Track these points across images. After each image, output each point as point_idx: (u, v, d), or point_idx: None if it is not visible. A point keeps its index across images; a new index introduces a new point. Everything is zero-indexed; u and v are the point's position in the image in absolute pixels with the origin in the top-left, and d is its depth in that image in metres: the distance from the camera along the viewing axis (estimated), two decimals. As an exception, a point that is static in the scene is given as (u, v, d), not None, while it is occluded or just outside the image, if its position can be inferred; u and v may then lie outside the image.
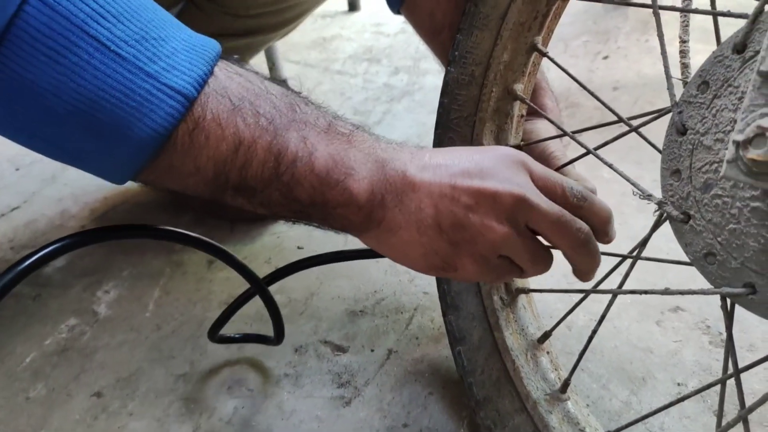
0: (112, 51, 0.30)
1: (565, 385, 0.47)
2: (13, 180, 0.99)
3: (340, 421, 0.54)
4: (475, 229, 0.37)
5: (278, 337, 0.57)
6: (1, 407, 0.58)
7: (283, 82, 0.40)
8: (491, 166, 0.38)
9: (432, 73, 1.25)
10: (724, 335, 0.60)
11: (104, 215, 0.87)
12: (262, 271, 0.73)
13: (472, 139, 0.54)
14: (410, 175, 0.37)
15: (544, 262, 0.41)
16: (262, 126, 0.34)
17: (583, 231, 0.40)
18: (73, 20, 0.29)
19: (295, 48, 1.46)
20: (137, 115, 0.31)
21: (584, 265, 0.42)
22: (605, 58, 1.31)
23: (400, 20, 1.57)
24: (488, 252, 0.38)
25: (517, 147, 0.54)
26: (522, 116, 0.56)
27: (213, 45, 0.35)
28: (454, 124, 0.55)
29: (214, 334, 0.57)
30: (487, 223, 0.37)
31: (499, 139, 0.55)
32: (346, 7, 1.69)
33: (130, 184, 0.94)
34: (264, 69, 1.23)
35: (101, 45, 0.30)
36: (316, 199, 0.36)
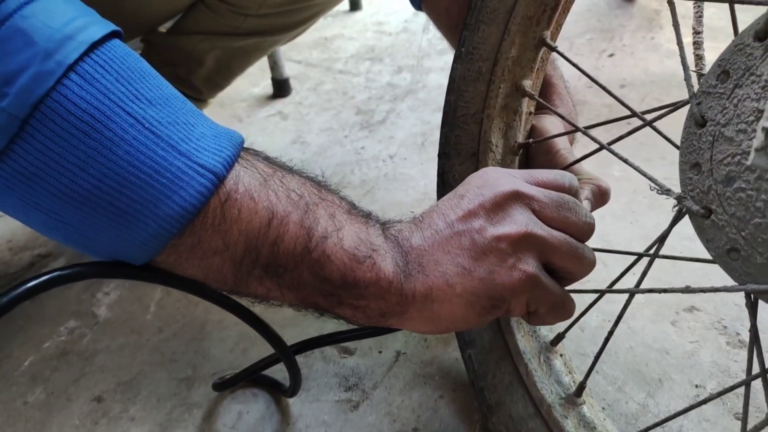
0: (147, 128, 0.30)
1: (581, 388, 0.46)
2: (12, 182, 0.97)
3: (348, 426, 0.53)
4: (496, 249, 0.37)
5: (293, 391, 0.52)
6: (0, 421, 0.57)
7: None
8: (485, 213, 0.38)
9: (435, 72, 1.24)
10: (742, 336, 0.59)
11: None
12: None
13: (480, 136, 0.53)
14: (416, 244, 0.37)
15: (570, 304, 0.41)
16: (294, 201, 0.34)
17: (587, 257, 0.41)
18: (110, 96, 0.30)
19: (297, 47, 1.45)
20: (167, 193, 0.31)
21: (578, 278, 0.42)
22: (611, 55, 1.30)
23: (401, 19, 1.56)
24: (524, 264, 0.37)
25: (526, 144, 0.53)
26: (530, 113, 0.54)
27: (237, 134, 0.35)
28: (461, 122, 0.54)
29: (223, 387, 0.55)
30: (503, 233, 0.37)
31: (508, 137, 0.53)
32: (347, 6, 1.68)
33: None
34: (266, 68, 1.22)
35: (137, 122, 0.30)
36: (347, 277, 0.35)
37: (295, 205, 0.34)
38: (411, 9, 1.61)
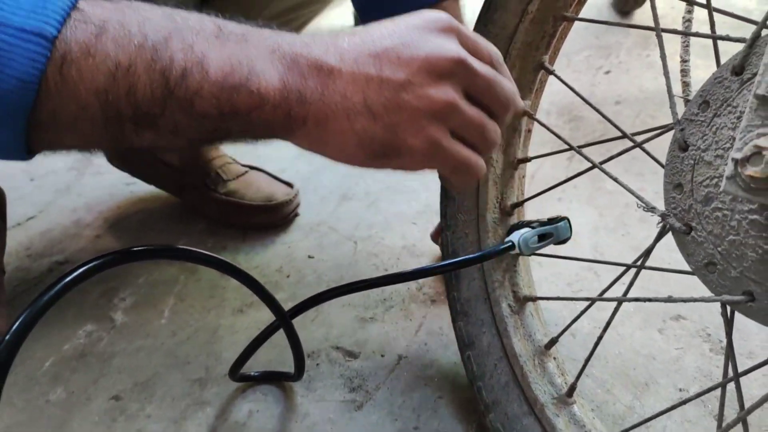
0: None
1: (572, 389, 0.49)
2: (28, 191, 1.01)
3: (353, 424, 0.56)
4: (411, 107, 0.34)
5: (299, 372, 0.57)
6: (22, 410, 0.60)
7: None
8: (417, 36, 0.35)
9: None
10: (725, 342, 0.62)
11: (117, 224, 0.89)
12: (273, 278, 0.75)
13: (481, 152, 0.56)
14: (328, 64, 0.34)
15: (494, 133, 0.38)
16: (137, 44, 0.31)
17: (509, 97, 0.39)
18: None
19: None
20: None
21: (500, 131, 0.40)
22: (607, 72, 1.34)
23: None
24: (434, 129, 0.35)
25: (525, 160, 0.57)
26: (529, 131, 0.58)
27: None
28: (464, 138, 0.57)
29: (236, 372, 0.58)
30: (425, 95, 0.34)
31: (508, 153, 0.57)
32: (352, 21, 1.72)
33: (143, 194, 0.96)
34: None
35: None
36: (224, 109, 0.33)
37: (140, 47, 0.31)
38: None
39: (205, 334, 0.68)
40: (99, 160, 1.09)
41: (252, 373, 0.61)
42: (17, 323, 0.36)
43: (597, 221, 0.83)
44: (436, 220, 0.85)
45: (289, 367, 0.59)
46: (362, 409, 0.58)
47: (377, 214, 0.87)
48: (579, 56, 1.41)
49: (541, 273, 0.72)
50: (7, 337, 0.35)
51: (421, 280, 0.74)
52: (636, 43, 1.49)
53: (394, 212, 0.88)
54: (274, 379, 0.61)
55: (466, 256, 0.47)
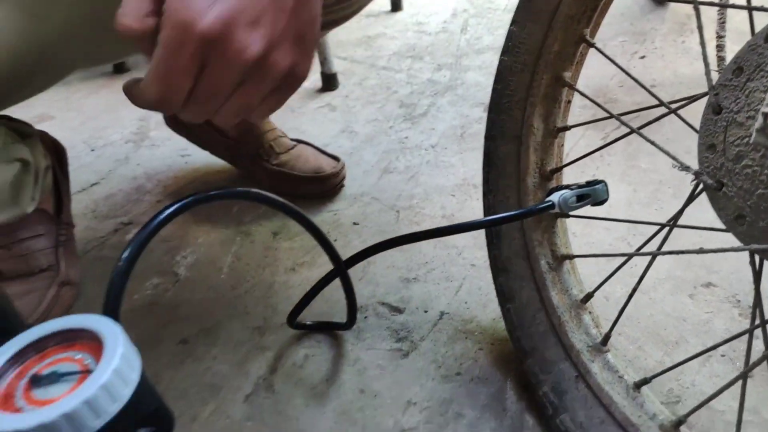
0: None
1: (606, 338, 0.53)
2: (89, 160, 1.08)
3: (400, 370, 0.61)
4: None
5: (351, 319, 0.63)
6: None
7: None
8: None
9: (473, 70, 1.31)
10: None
11: (176, 191, 0.96)
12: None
13: (523, 121, 0.61)
14: None
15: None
16: None
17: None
18: None
19: (342, 45, 1.54)
20: None
21: None
22: (642, 57, 1.36)
23: (440, 20, 1.64)
24: None
25: (564, 129, 0.60)
26: (569, 101, 0.62)
27: None
28: (507, 108, 0.62)
29: (293, 320, 0.64)
30: None
31: (548, 122, 0.61)
32: (389, 7, 1.77)
33: (198, 165, 1.02)
34: (315, 63, 1.31)
35: None
36: None
37: None
38: (449, 10, 1.70)
39: (261, 289, 0.74)
40: (153, 133, 1.16)
41: (307, 322, 0.66)
42: (127, 252, 0.41)
43: (631, 197, 0.86)
44: (473, 193, 0.89)
45: (339, 319, 0.65)
46: (408, 357, 0.63)
47: (417, 187, 0.92)
48: (614, 41, 1.42)
49: (576, 243, 0.75)
50: (120, 263, 0.41)
51: (460, 246, 0.78)
52: (671, 29, 1.50)
53: (433, 185, 0.92)
54: (326, 328, 0.66)
55: (511, 212, 0.52)
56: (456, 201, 0.88)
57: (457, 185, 0.92)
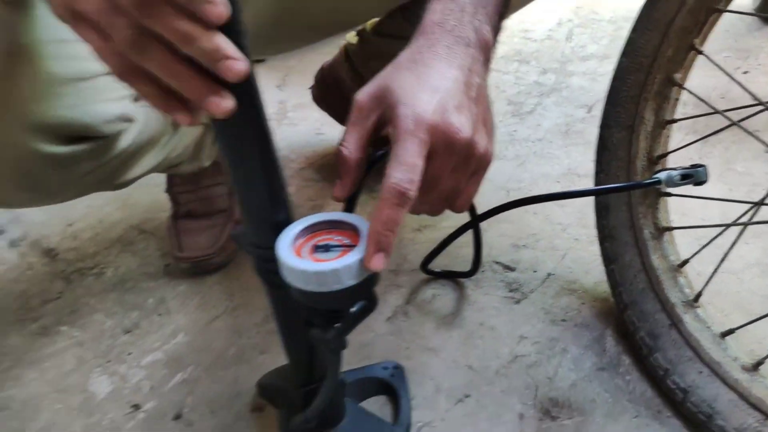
0: None
1: (698, 296, 0.63)
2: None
3: (513, 312, 0.74)
4: None
5: (475, 268, 0.75)
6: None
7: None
8: None
9: (578, 75, 1.41)
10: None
11: (315, 161, 1.13)
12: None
13: (636, 113, 0.71)
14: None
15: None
16: None
17: None
18: None
19: (452, 47, 1.67)
20: None
21: None
22: (745, 72, 1.40)
23: (546, 28, 1.74)
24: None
25: (672, 121, 0.71)
26: (677, 99, 0.72)
27: None
28: (623, 101, 0.72)
29: (425, 266, 0.78)
30: None
31: (659, 115, 0.71)
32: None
33: (334, 142, 1.19)
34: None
35: None
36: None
37: None
38: (555, 20, 1.79)
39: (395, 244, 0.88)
40: (291, 114, 1.35)
41: (436, 270, 0.80)
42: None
43: (726, 195, 0.94)
44: (577, 181, 1.00)
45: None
46: (520, 304, 0.75)
47: (525, 173, 1.04)
48: (718, 55, 1.47)
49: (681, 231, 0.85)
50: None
51: (565, 223, 0.90)
52: (778, 48, 1.53)
53: (539, 172, 1.04)
54: (451, 276, 0.80)
55: (627, 183, 0.63)
56: (561, 187, 0.99)
57: (562, 174, 1.03)
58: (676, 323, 0.63)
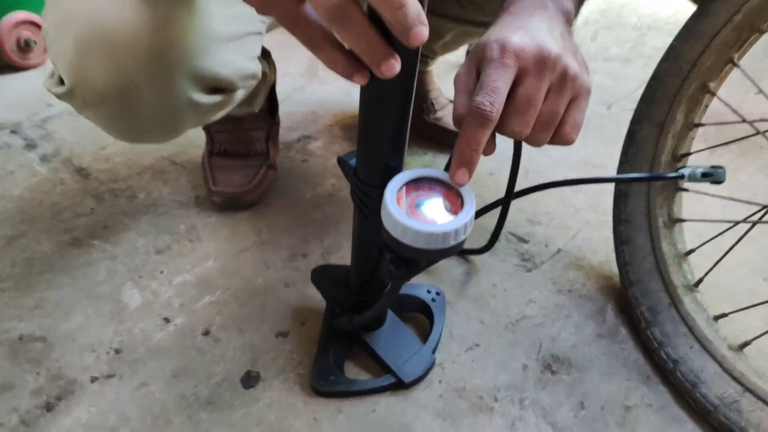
0: None
1: (699, 281, 0.70)
2: (269, 83, 1.31)
3: (524, 279, 0.80)
4: None
5: (491, 243, 0.80)
6: (295, 223, 0.88)
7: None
8: None
9: (600, 74, 1.46)
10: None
11: (343, 120, 1.17)
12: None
13: (668, 113, 0.76)
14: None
15: None
16: None
17: None
18: None
19: (480, 30, 1.71)
20: None
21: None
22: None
23: (571, 25, 1.78)
24: None
25: (699, 125, 0.76)
26: (707, 106, 0.77)
27: None
28: (657, 100, 0.77)
29: None
30: None
31: (688, 117, 0.76)
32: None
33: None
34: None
35: None
36: None
37: None
38: (581, 17, 1.83)
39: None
40: (322, 73, 1.38)
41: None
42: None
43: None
44: (591, 170, 1.06)
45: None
46: (530, 273, 0.81)
47: (544, 157, 1.09)
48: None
49: (687, 225, 0.91)
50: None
51: (577, 206, 0.95)
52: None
53: (556, 157, 1.09)
54: (468, 253, 0.85)
55: (653, 173, 0.69)
56: (577, 173, 1.05)
57: (578, 162, 1.08)
58: (675, 303, 0.69)
